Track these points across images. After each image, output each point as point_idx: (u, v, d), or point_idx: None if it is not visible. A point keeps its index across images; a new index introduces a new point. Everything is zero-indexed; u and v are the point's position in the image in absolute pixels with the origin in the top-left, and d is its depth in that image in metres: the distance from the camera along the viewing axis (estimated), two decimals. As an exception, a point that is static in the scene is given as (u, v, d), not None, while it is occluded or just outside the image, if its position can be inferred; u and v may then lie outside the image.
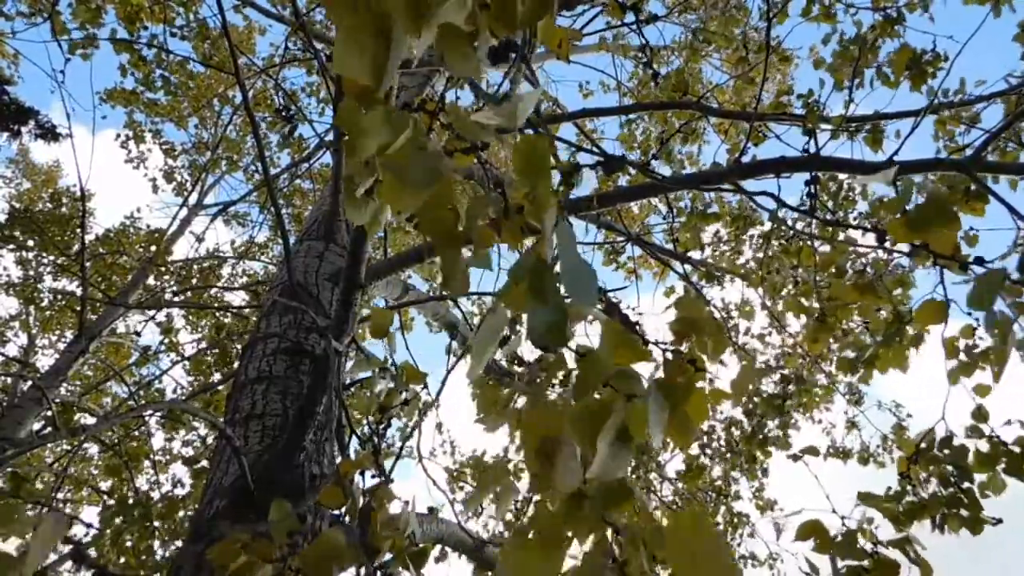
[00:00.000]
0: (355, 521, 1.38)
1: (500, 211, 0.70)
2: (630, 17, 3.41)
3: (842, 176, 3.46)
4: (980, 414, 1.87)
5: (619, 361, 0.57)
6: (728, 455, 4.77)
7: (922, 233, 1.01)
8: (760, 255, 4.33)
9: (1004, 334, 0.97)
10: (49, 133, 6.74)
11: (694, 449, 5.63)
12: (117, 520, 4.00)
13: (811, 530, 1.44)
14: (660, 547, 0.54)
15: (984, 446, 1.80)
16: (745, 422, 4.46)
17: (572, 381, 0.60)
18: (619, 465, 0.53)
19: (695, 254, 4.83)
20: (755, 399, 4.20)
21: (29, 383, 5.56)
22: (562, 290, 0.61)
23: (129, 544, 3.97)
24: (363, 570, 1.29)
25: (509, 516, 5.83)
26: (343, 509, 1.49)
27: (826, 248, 3.24)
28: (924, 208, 1.01)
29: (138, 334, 5.89)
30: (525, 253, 0.62)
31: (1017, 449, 1.75)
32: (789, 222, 3.26)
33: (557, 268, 0.63)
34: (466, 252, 0.78)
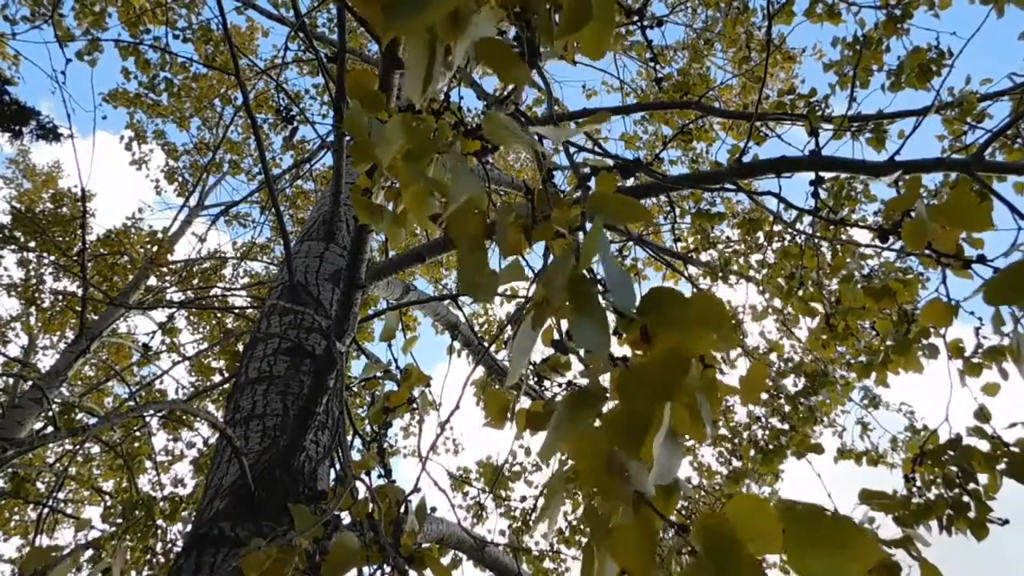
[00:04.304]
0: (366, 522, 1.37)
1: (528, 218, 0.70)
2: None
3: (844, 176, 3.45)
4: (983, 414, 1.86)
5: (668, 371, 0.56)
6: (738, 457, 4.74)
7: (942, 229, 1.00)
8: (763, 256, 4.32)
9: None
10: (50, 133, 6.75)
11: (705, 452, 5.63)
12: (119, 520, 4.01)
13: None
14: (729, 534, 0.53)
15: (985, 446, 1.79)
16: (764, 421, 4.44)
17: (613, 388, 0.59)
18: (676, 465, 0.53)
19: (703, 254, 4.83)
20: (780, 398, 4.20)
21: (30, 383, 5.56)
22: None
23: (130, 544, 3.97)
24: (368, 570, 1.28)
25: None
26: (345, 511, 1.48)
27: (829, 249, 3.23)
28: (941, 208, 1.00)
29: (146, 346, 5.89)
30: (557, 261, 0.61)
31: (1017, 450, 1.74)
32: (796, 223, 3.25)
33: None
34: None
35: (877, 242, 1.66)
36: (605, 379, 0.61)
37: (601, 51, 0.62)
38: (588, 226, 0.67)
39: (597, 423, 0.57)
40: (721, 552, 0.52)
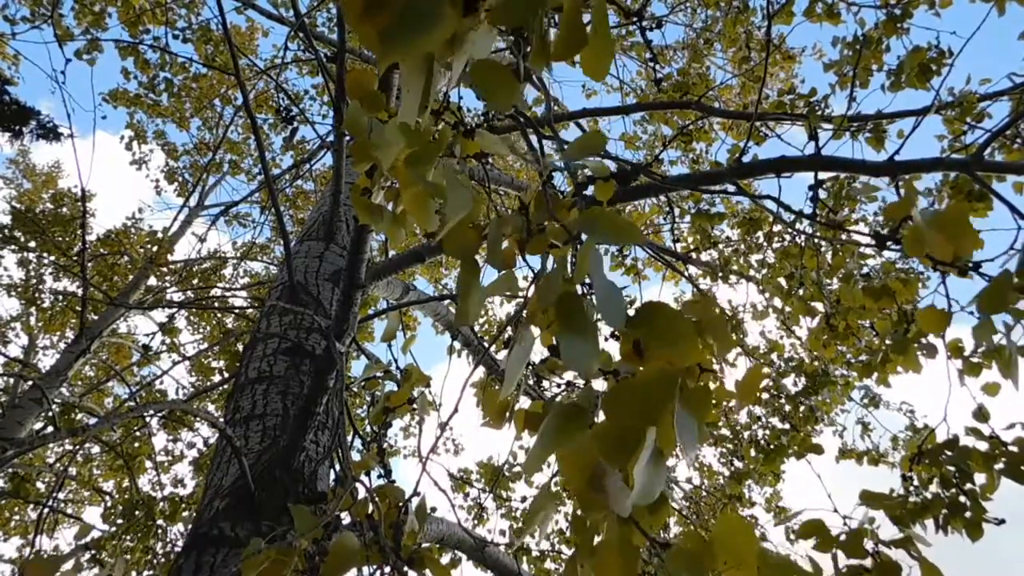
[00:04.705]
0: (365, 523, 1.37)
1: (523, 231, 0.70)
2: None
3: (844, 176, 3.45)
4: (981, 414, 1.86)
5: (656, 386, 0.56)
6: (740, 457, 4.74)
7: (932, 242, 1.00)
8: (762, 257, 4.33)
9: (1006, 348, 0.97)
10: (50, 133, 6.74)
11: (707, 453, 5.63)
12: (120, 520, 4.01)
13: (813, 529, 1.43)
14: (710, 557, 0.53)
15: (983, 446, 1.79)
16: (764, 421, 4.45)
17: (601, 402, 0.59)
18: (659, 485, 0.53)
19: (704, 254, 4.84)
20: (781, 398, 4.21)
21: (30, 383, 5.56)
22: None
23: (131, 544, 3.97)
24: (368, 570, 1.28)
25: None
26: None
27: (829, 250, 3.23)
28: (937, 219, 1.00)
29: (146, 346, 5.89)
30: (551, 276, 0.61)
31: (1015, 450, 1.74)
32: (795, 223, 3.25)
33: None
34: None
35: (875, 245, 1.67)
36: (600, 384, 0.62)
37: (603, 72, 0.62)
38: (584, 236, 0.67)
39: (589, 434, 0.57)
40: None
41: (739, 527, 0.52)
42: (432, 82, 0.60)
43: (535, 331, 0.67)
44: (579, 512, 0.60)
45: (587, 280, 0.62)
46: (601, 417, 0.57)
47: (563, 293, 0.59)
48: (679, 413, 0.54)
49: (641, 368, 0.60)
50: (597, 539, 0.57)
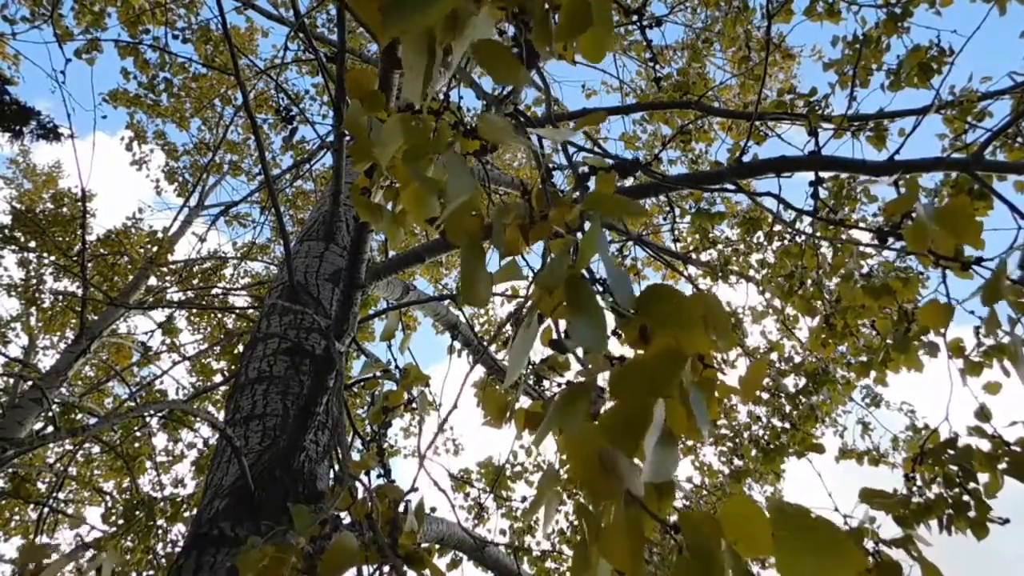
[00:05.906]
0: (364, 522, 1.37)
1: (526, 217, 0.70)
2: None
3: (844, 176, 3.45)
4: (983, 413, 1.86)
5: (663, 365, 0.56)
6: (740, 456, 4.74)
7: (938, 236, 1.00)
8: (762, 257, 4.33)
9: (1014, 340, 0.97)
10: (50, 133, 6.74)
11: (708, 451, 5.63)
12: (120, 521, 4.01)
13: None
14: (719, 535, 0.53)
15: (986, 445, 1.79)
16: (764, 420, 4.45)
17: (607, 385, 0.59)
18: (672, 466, 0.52)
19: (703, 254, 4.84)
20: (781, 398, 4.21)
21: (30, 383, 5.56)
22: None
23: (131, 544, 3.97)
24: (368, 570, 1.28)
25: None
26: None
27: (829, 248, 3.23)
28: (940, 213, 1.00)
29: (146, 346, 5.90)
30: (555, 260, 0.61)
31: (1018, 449, 1.74)
32: (795, 222, 3.25)
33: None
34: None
35: (877, 242, 1.66)
36: (603, 379, 0.61)
37: (600, 55, 0.63)
38: (587, 225, 0.67)
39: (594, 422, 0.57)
40: (707, 549, 0.52)
41: (745, 506, 0.52)
42: (434, 63, 0.60)
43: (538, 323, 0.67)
44: (584, 500, 0.59)
45: (591, 267, 0.62)
46: (606, 409, 0.57)
47: (570, 275, 0.59)
48: (694, 393, 0.54)
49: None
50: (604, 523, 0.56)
